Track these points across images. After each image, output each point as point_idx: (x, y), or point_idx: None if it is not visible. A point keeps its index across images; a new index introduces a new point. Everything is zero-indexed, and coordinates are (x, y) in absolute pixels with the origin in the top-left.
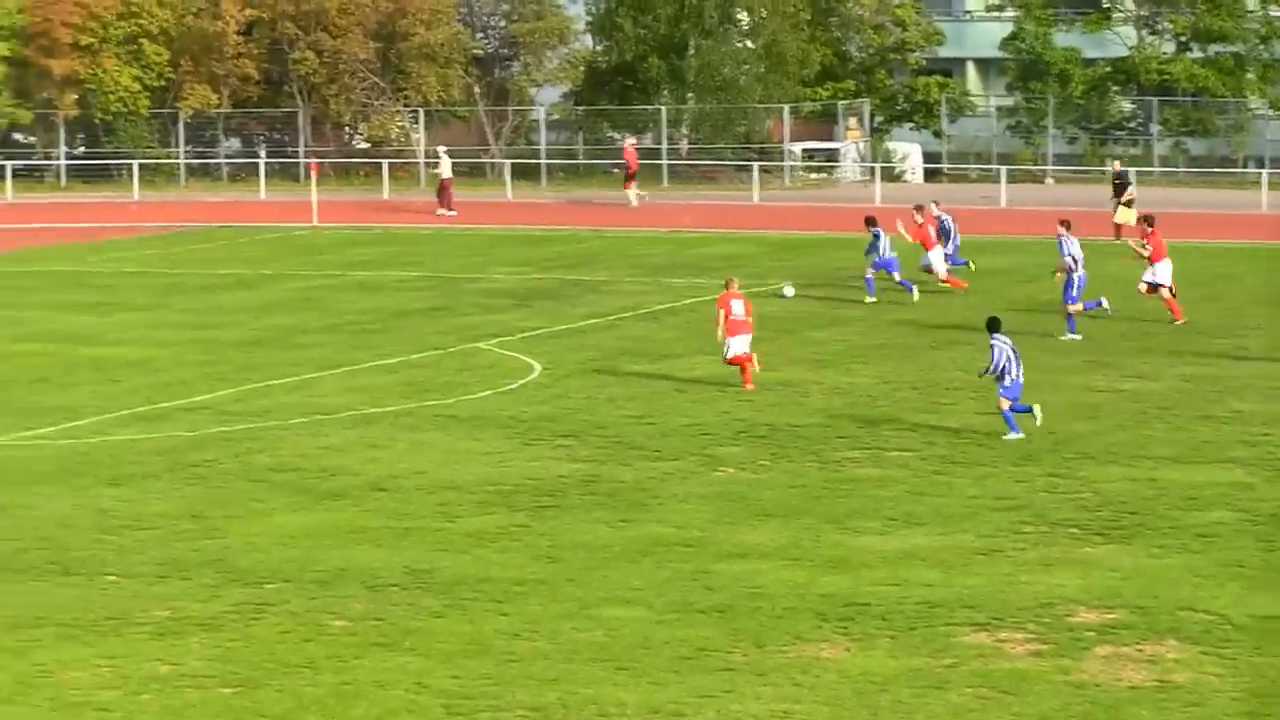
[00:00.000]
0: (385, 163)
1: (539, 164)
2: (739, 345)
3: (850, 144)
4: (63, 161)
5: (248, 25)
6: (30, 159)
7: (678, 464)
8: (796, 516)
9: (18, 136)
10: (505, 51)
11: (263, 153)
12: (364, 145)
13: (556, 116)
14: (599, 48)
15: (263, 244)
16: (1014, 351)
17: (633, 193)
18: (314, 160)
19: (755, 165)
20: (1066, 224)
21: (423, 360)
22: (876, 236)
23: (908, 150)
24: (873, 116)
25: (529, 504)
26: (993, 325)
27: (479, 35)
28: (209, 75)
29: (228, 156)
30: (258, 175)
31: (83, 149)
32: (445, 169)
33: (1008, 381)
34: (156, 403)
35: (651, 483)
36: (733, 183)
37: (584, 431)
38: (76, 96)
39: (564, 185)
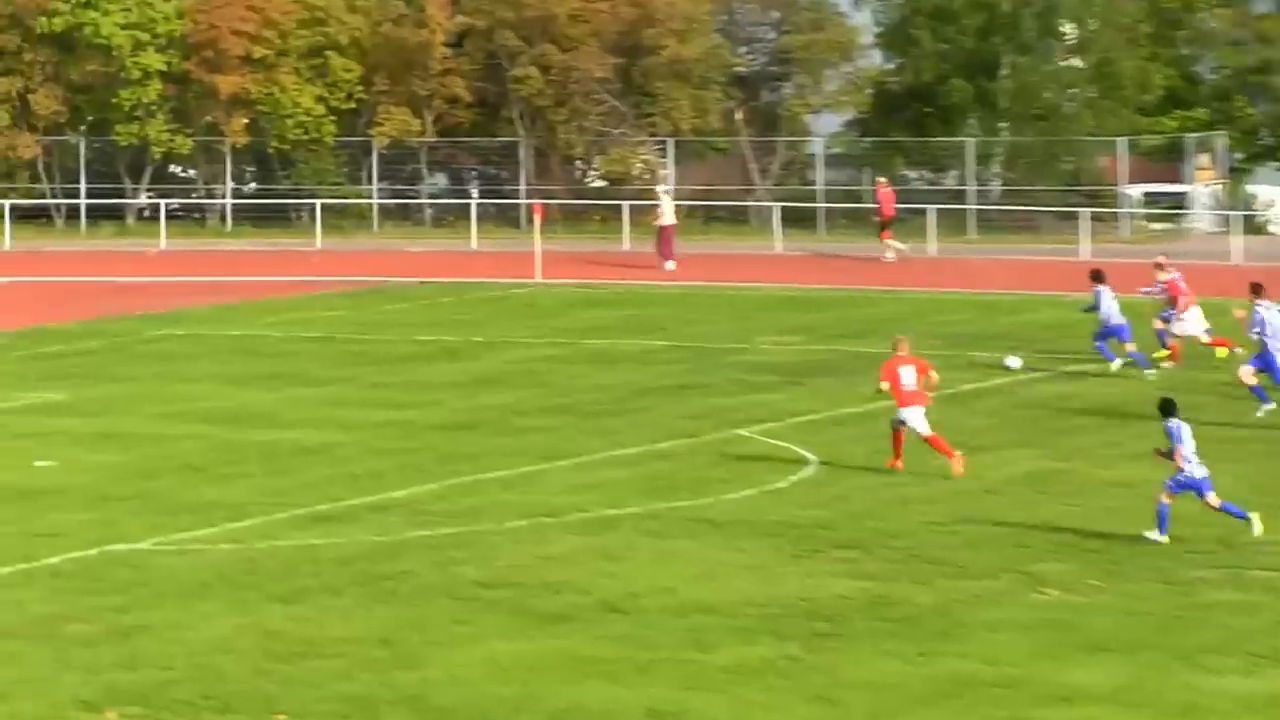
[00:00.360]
0: (626, 205)
1: (815, 208)
2: (914, 420)
3: (1202, 187)
4: (229, 201)
5: (458, 35)
6: (190, 197)
7: (988, 583)
8: (1136, 651)
9: (175, 170)
10: (774, 70)
11: (475, 192)
12: (599, 183)
13: (837, 150)
14: (890, 66)
15: (474, 304)
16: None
17: (891, 244)
18: (538, 201)
19: (1084, 212)
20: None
21: (670, 450)
22: (1099, 295)
23: (1274, 195)
24: (1230, 153)
25: (801, 631)
26: (1167, 409)
27: (742, 50)
28: (409, 96)
29: (431, 196)
30: (468, 219)
31: (254, 185)
32: (667, 214)
33: (1182, 477)
34: (339, 500)
35: (956, 606)
36: (1056, 233)
37: (870, 541)
38: (247, 121)
39: (846, 234)
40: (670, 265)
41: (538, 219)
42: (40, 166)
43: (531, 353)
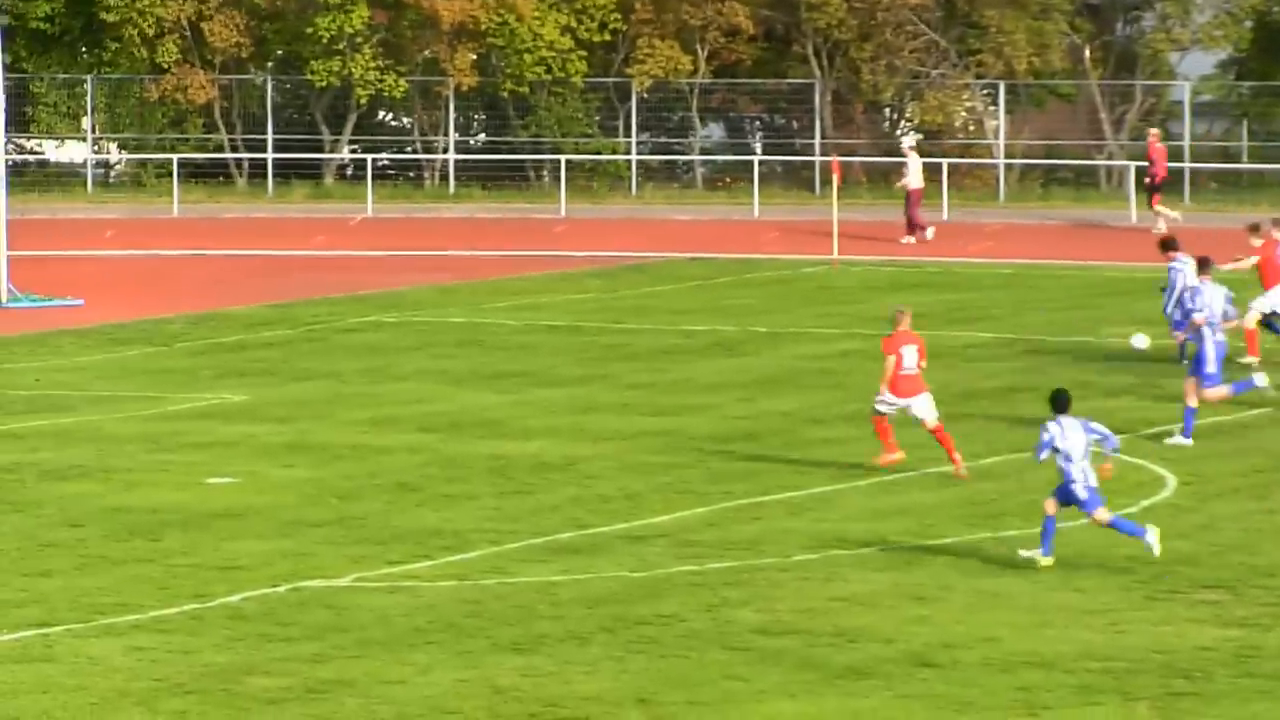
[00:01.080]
0: (944, 163)
1: (1179, 168)
2: (923, 408)
3: None
4: (451, 155)
5: None
6: (403, 151)
7: None
8: None
9: (385, 118)
10: None
11: (758, 145)
12: (913, 136)
13: (1208, 97)
14: None
15: (755, 286)
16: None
17: (1162, 211)
18: (836, 159)
19: None
20: None
21: (994, 467)
22: (1173, 271)
23: None
24: None
25: (1153, 690)
26: (1058, 404)
27: None
28: (678, 27)
29: (704, 150)
30: (749, 180)
31: (483, 138)
32: (914, 177)
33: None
34: (586, 527)
35: None
36: None
37: (1241, 581)
38: (475, 58)
39: (1216, 201)
40: (909, 240)
41: (836, 180)
42: (217, 112)
43: (826, 347)
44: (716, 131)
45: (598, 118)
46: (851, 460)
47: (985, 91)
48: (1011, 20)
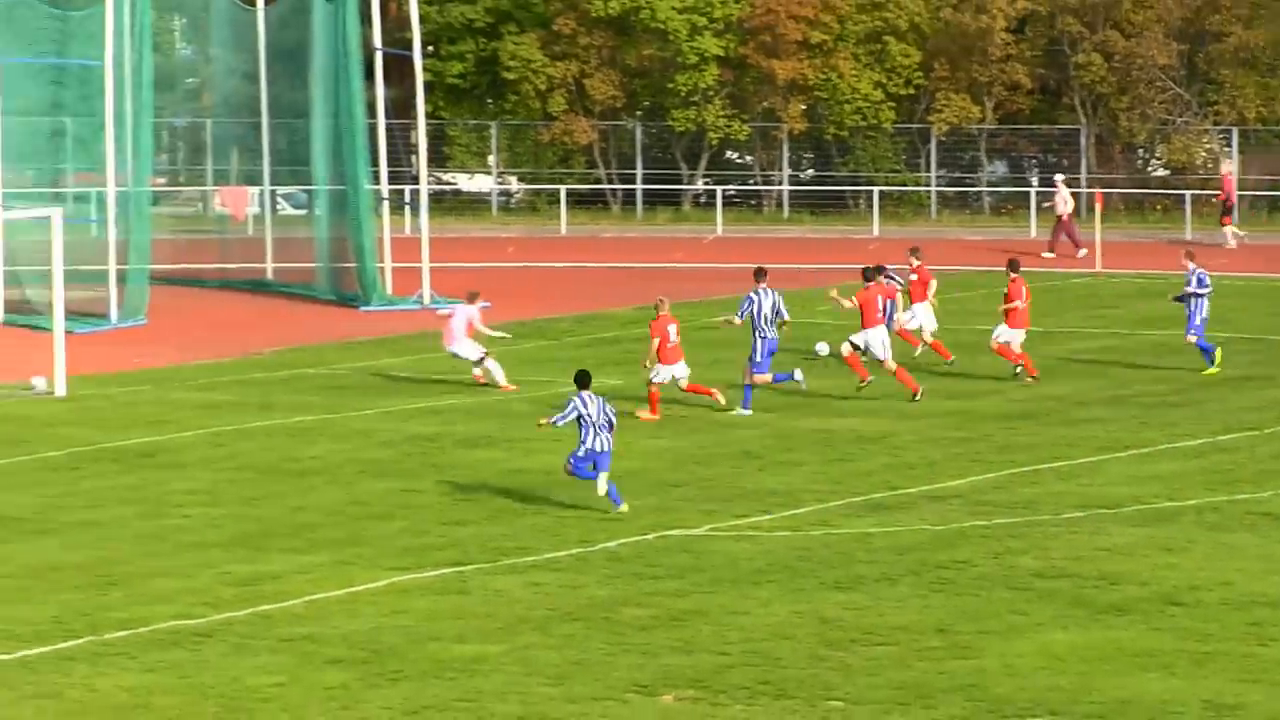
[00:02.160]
0: (1188, 194)
1: None
2: (682, 371)
3: None
4: (785, 187)
5: (1019, 21)
6: (746, 183)
7: None
8: None
9: (732, 156)
10: None
11: (1034, 179)
12: (1161, 172)
13: None
14: None
15: (1033, 294)
16: (605, 418)
17: (1230, 230)
18: (1099, 190)
19: None
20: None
21: (1231, 443)
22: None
23: None
24: None
25: None
26: (581, 381)
27: None
28: (969, 82)
29: (990, 183)
30: (1027, 207)
31: (811, 172)
32: (1064, 204)
33: (582, 451)
34: (896, 488)
35: None
36: None
37: None
38: (804, 107)
39: None
40: (1050, 255)
41: (1098, 208)
42: (596, 152)
43: (1091, 343)
44: (1000, 168)
45: (904, 157)
46: (1111, 435)
47: (1221, 135)
48: (1243, 77)
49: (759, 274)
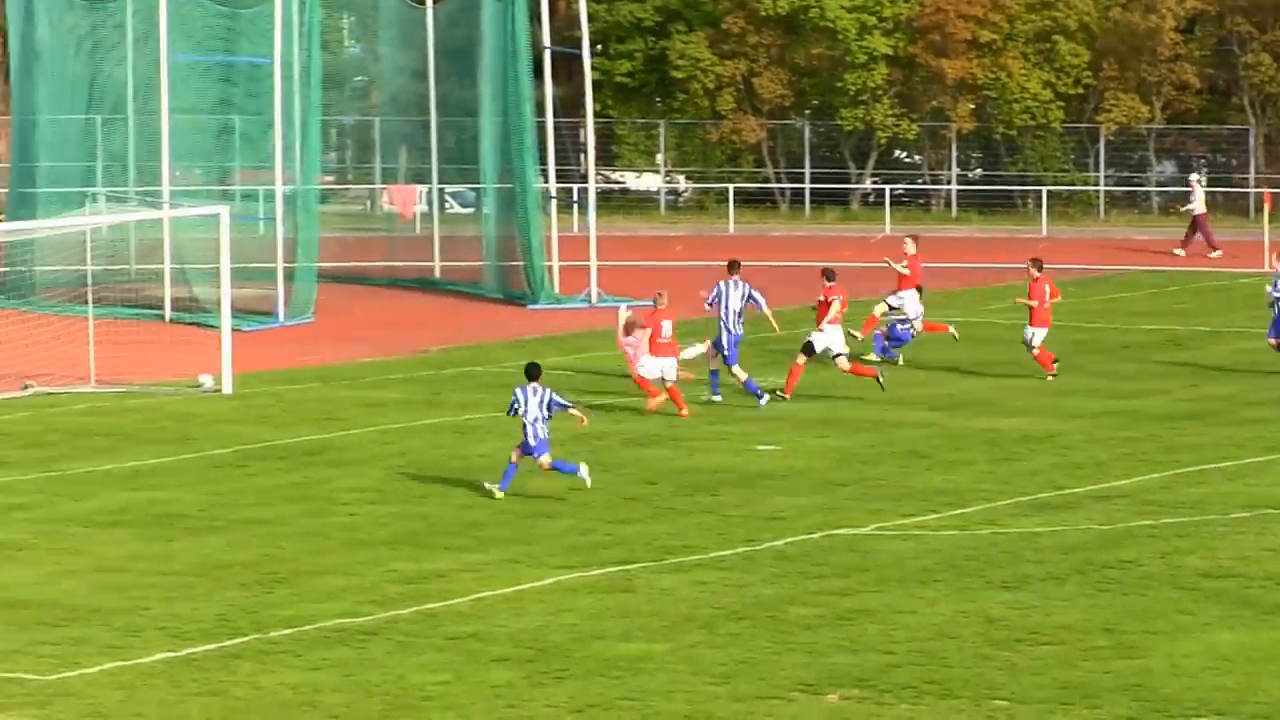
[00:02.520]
0: None
1: None
2: (671, 369)
3: None
4: (954, 186)
5: (1188, 21)
6: (914, 183)
7: None
8: None
9: (900, 155)
10: None
11: (1201, 179)
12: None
13: None
14: None
15: (1200, 294)
16: (542, 412)
17: None
18: (1268, 190)
19: None
20: None
21: None
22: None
23: None
24: None
25: None
26: (530, 373)
27: None
28: (1137, 82)
29: (1159, 183)
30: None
31: (979, 171)
32: (1198, 203)
33: (533, 441)
34: (1062, 488)
35: None
36: None
37: None
38: (973, 106)
39: None
40: (1180, 252)
41: (1267, 208)
42: (764, 150)
43: (1258, 344)
44: (1169, 168)
45: (1072, 156)
46: (1277, 436)
47: None
48: None
49: (732, 266)
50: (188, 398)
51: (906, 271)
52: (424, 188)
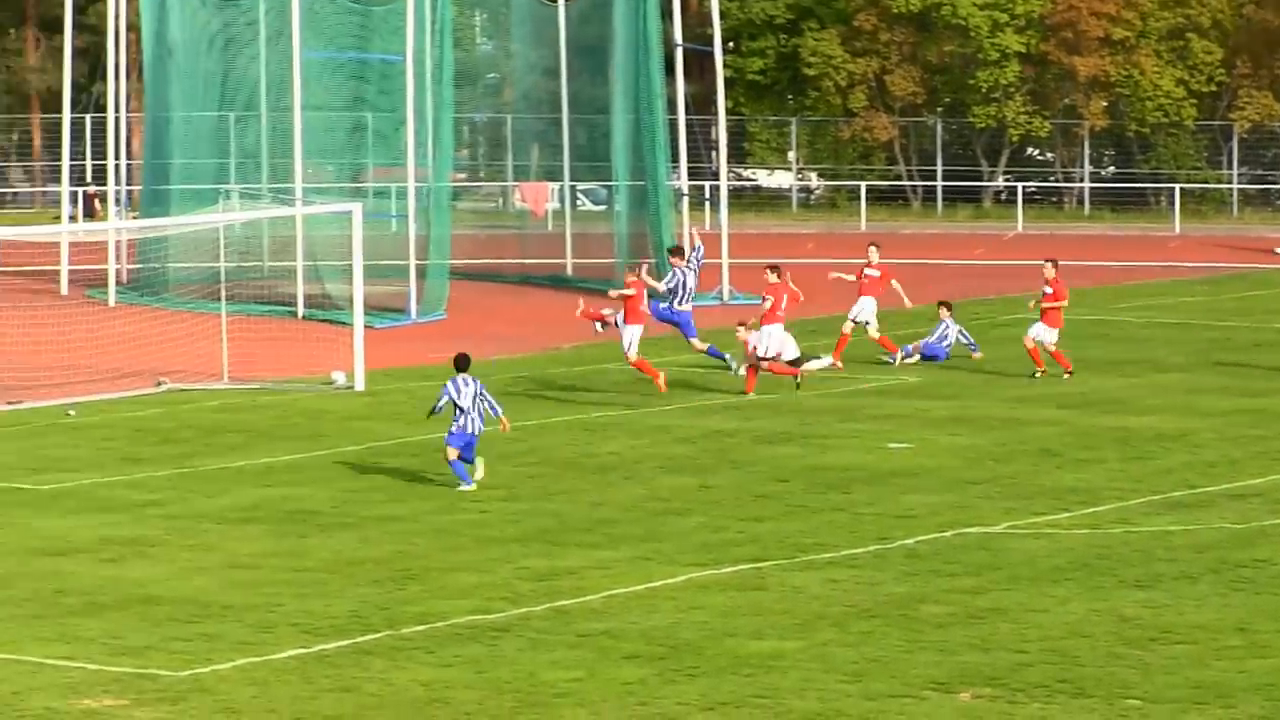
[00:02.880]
0: None
1: None
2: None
3: None
4: (1086, 184)
5: None
6: (1046, 180)
7: None
8: None
9: (1032, 152)
10: None
11: None
12: None
13: None
14: None
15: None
16: (475, 399)
17: None
18: None
19: None
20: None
21: None
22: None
23: None
24: None
25: None
26: (459, 364)
27: None
28: (1271, 79)
29: None
30: None
31: (1111, 169)
32: None
33: (454, 428)
34: (1195, 486)
35: None
36: None
37: None
38: (1106, 104)
39: None
40: None
41: None
42: (896, 148)
43: None
44: None
45: (1205, 154)
46: None
47: None
48: None
49: (675, 251)
50: (320, 394)
51: (850, 278)
52: (556, 185)
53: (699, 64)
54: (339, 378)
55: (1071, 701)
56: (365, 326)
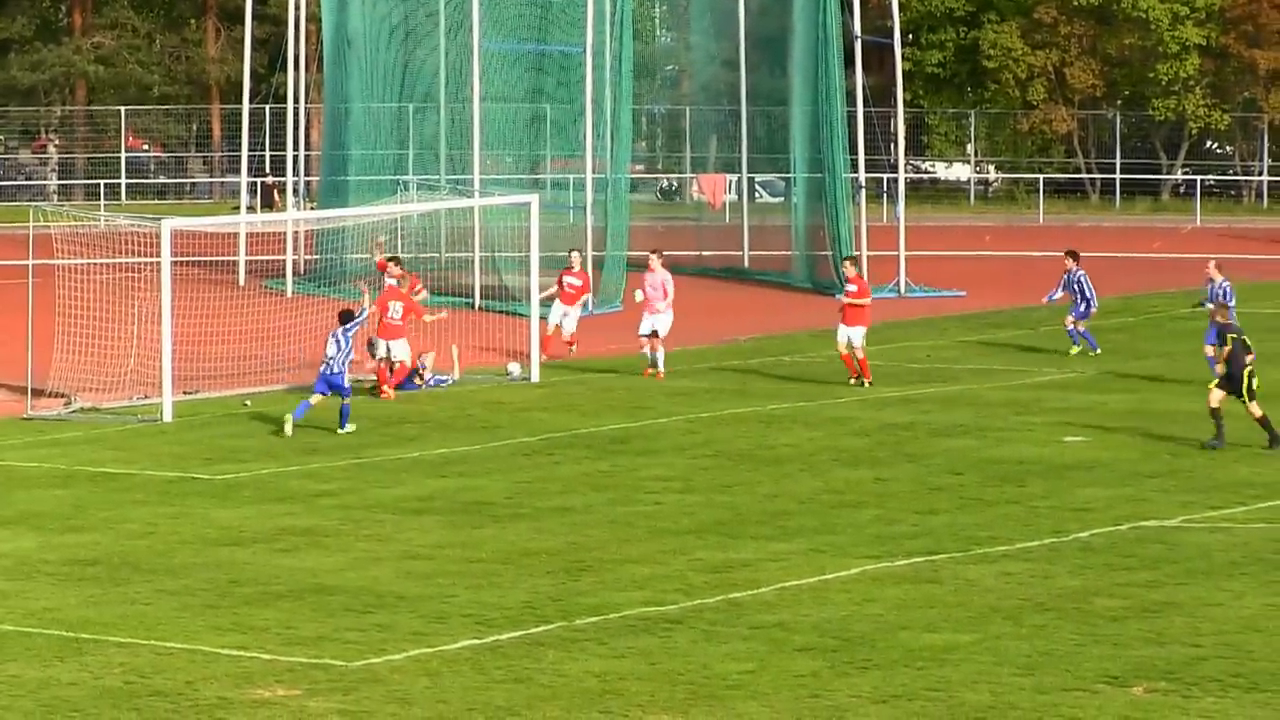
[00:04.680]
0: None
1: None
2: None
3: None
4: (1265, 177)
5: None
6: (1226, 173)
7: None
8: None
9: (1212, 146)
10: None
11: None
12: None
13: None
14: None
15: None
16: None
17: None
18: None
19: None
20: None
21: None
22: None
23: None
24: None
25: None
26: (343, 317)
27: None
28: None
29: None
30: None
31: None
32: None
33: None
34: None
35: None
36: None
37: None
38: None
39: None
40: None
41: None
42: (1075, 141)
43: None
44: None
45: None
46: None
47: None
48: None
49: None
50: (496, 386)
51: (845, 300)
52: (733, 177)
53: (878, 56)
54: (515, 369)
55: (1245, 696)
56: (541, 318)
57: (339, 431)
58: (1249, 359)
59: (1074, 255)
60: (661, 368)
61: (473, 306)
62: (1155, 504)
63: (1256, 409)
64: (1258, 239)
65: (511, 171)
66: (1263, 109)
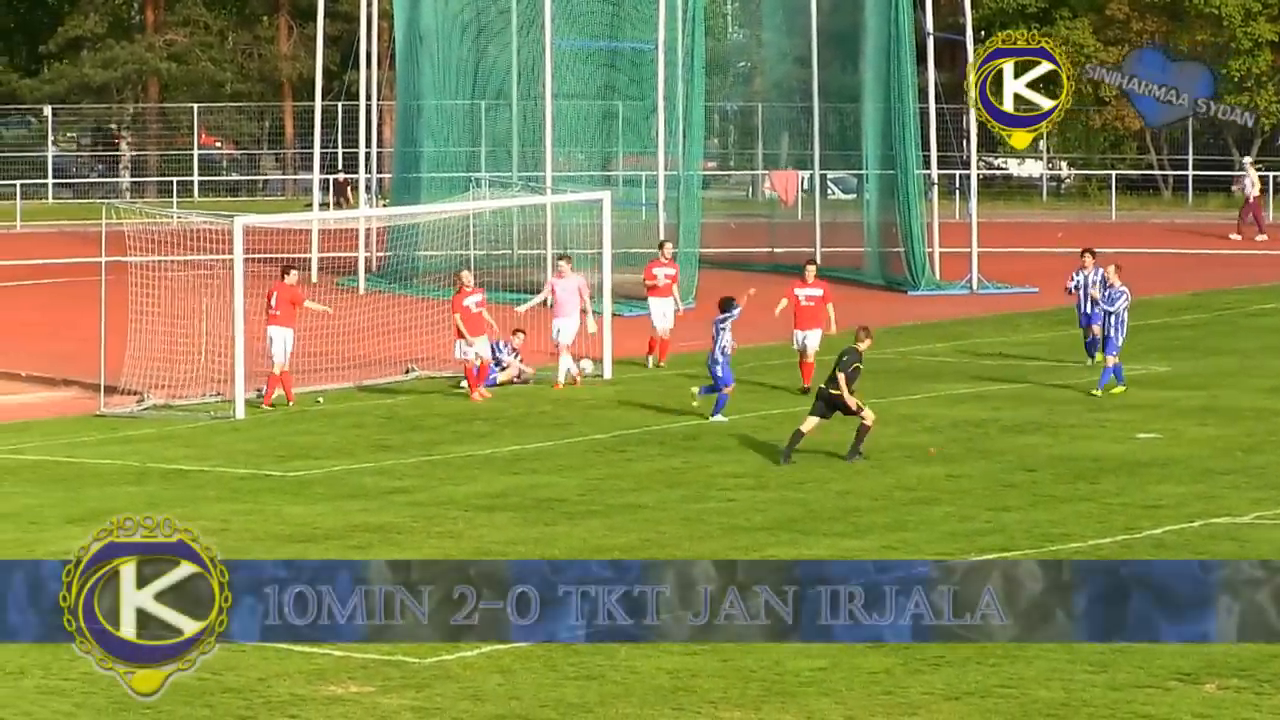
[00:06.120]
0: None
1: None
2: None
3: None
4: None
5: None
6: None
7: None
8: None
9: None
10: None
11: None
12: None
13: None
14: None
15: None
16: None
17: None
18: None
19: None
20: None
21: None
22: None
23: None
24: None
25: None
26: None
27: None
28: None
29: None
30: None
31: None
32: (1251, 187)
33: None
34: None
35: None
36: None
37: None
38: None
39: None
40: (1239, 236)
41: None
42: (1147, 137)
43: None
44: None
45: None
46: None
47: None
48: None
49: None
50: (569, 383)
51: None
52: (806, 173)
53: (950, 53)
54: (587, 366)
55: None
56: (614, 315)
57: (709, 419)
58: None
59: (1091, 253)
60: (563, 379)
61: (546, 304)
62: (1228, 501)
63: None
64: None
65: (583, 168)
66: None
